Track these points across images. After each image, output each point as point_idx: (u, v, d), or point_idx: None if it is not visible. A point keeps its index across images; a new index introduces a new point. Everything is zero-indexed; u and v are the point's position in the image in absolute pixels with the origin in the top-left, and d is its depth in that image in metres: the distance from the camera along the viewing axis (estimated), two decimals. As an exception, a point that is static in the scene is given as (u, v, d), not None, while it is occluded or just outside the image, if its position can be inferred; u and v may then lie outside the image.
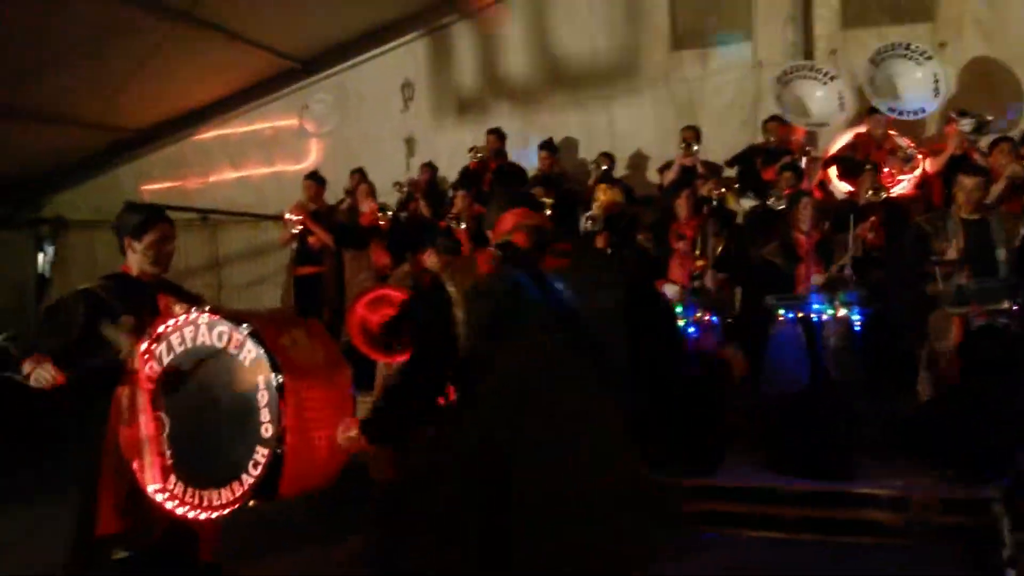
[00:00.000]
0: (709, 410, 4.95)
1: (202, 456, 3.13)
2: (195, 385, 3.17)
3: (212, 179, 9.76)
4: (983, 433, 4.66)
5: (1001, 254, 4.77)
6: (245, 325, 3.01)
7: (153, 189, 9.75)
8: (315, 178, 7.80)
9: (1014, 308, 4.59)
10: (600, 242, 6.52)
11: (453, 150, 8.76)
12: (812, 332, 5.21)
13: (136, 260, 3.24)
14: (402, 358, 4.15)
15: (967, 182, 4.93)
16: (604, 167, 7.67)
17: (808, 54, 7.94)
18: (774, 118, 7.30)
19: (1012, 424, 4.63)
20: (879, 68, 7.04)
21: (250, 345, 3.00)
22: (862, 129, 7.03)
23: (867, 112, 7.04)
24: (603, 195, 6.83)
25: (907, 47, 7.15)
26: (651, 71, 8.51)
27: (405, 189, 8.13)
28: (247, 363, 3.01)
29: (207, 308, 3.13)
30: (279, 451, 2.94)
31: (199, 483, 3.16)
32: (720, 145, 7.78)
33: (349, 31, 9.01)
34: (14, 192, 9.88)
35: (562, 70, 8.76)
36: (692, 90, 8.38)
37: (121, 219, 3.27)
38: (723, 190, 6.59)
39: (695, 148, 7.16)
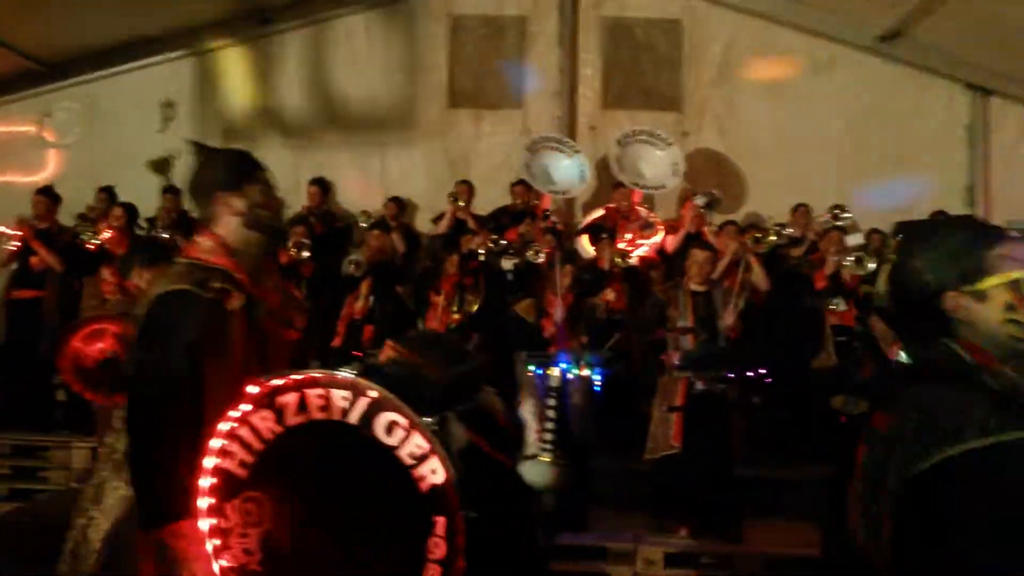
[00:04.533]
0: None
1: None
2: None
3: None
4: (707, 494, 5.09)
5: (723, 324, 5.29)
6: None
7: None
8: (48, 193, 6.99)
9: (731, 375, 5.08)
10: (363, 289, 6.43)
11: (215, 178, 8.26)
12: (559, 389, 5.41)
13: None
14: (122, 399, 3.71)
15: (699, 256, 5.46)
16: (391, 213, 7.62)
17: (571, 128, 8.50)
18: (521, 182, 7.70)
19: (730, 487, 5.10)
20: (625, 149, 7.70)
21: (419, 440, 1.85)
22: (612, 204, 7.60)
23: (614, 187, 7.63)
24: (374, 241, 6.75)
25: (652, 134, 7.88)
26: (427, 124, 8.66)
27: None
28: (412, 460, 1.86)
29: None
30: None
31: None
32: (488, 203, 8.03)
33: (105, 38, 8.29)
34: None
35: (338, 111, 8.66)
36: (465, 148, 8.63)
37: None
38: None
39: (461, 203, 7.33)
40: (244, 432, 1.92)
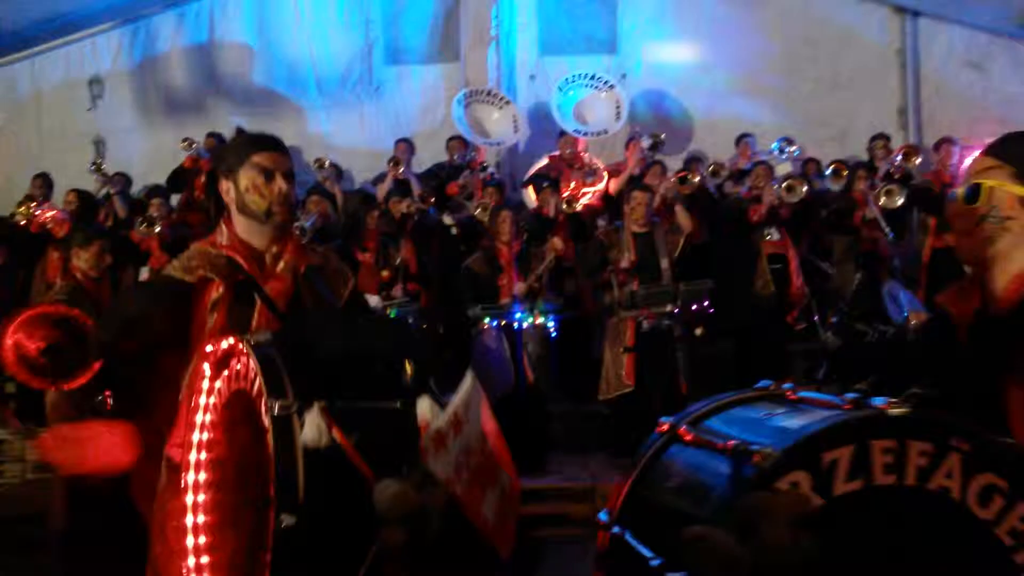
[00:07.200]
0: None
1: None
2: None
3: None
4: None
5: (664, 263, 5.41)
6: None
7: None
8: (-29, 182, 6.81)
9: (676, 311, 5.21)
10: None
11: (155, 153, 8.15)
12: (514, 339, 5.51)
13: None
14: (77, 382, 3.71)
15: (638, 196, 5.55)
16: (322, 178, 7.54)
17: (510, 78, 8.45)
18: (456, 137, 7.70)
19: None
20: (566, 96, 7.69)
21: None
22: (556, 153, 7.61)
23: (559, 135, 7.64)
24: (314, 207, 6.71)
25: (592, 77, 7.87)
26: (366, 83, 8.56)
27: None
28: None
29: None
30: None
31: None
32: (430, 160, 8.00)
33: (24, 18, 8.00)
34: None
35: (279, 74, 8.54)
36: (405, 105, 8.56)
37: None
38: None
39: (401, 167, 7.30)
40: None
